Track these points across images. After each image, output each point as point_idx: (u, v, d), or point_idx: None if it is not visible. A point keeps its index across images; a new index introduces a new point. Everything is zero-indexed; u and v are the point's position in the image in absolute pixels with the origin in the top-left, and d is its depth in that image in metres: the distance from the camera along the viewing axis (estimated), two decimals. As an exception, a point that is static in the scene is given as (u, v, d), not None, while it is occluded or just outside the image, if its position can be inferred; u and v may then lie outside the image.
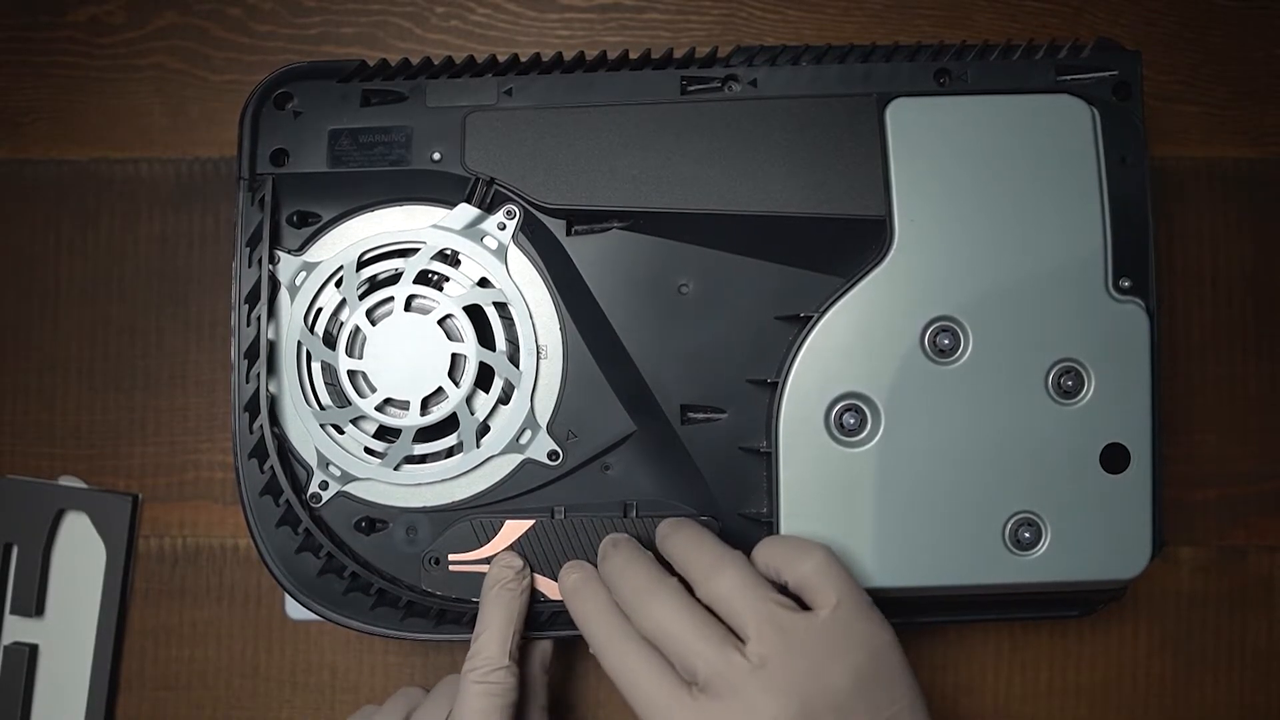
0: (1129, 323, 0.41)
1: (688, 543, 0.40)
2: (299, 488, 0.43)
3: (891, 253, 0.41)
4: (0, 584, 0.50)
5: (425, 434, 0.43)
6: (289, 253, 0.43)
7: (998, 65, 0.43)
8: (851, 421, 0.41)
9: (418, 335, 0.43)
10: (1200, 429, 0.51)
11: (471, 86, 0.43)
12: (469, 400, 0.43)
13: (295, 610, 0.48)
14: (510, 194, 0.43)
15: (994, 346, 0.41)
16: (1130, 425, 0.41)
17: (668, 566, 0.40)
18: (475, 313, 0.43)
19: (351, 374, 0.43)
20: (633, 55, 0.44)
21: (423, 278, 0.43)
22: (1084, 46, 0.44)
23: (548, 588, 0.42)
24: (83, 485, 0.50)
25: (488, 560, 0.42)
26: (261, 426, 0.42)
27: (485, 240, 0.43)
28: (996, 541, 0.41)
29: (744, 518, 0.43)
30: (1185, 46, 0.52)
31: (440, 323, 0.43)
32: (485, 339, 0.43)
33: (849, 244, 0.42)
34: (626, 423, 0.43)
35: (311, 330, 0.43)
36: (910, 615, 0.44)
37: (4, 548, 0.50)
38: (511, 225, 0.43)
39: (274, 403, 0.43)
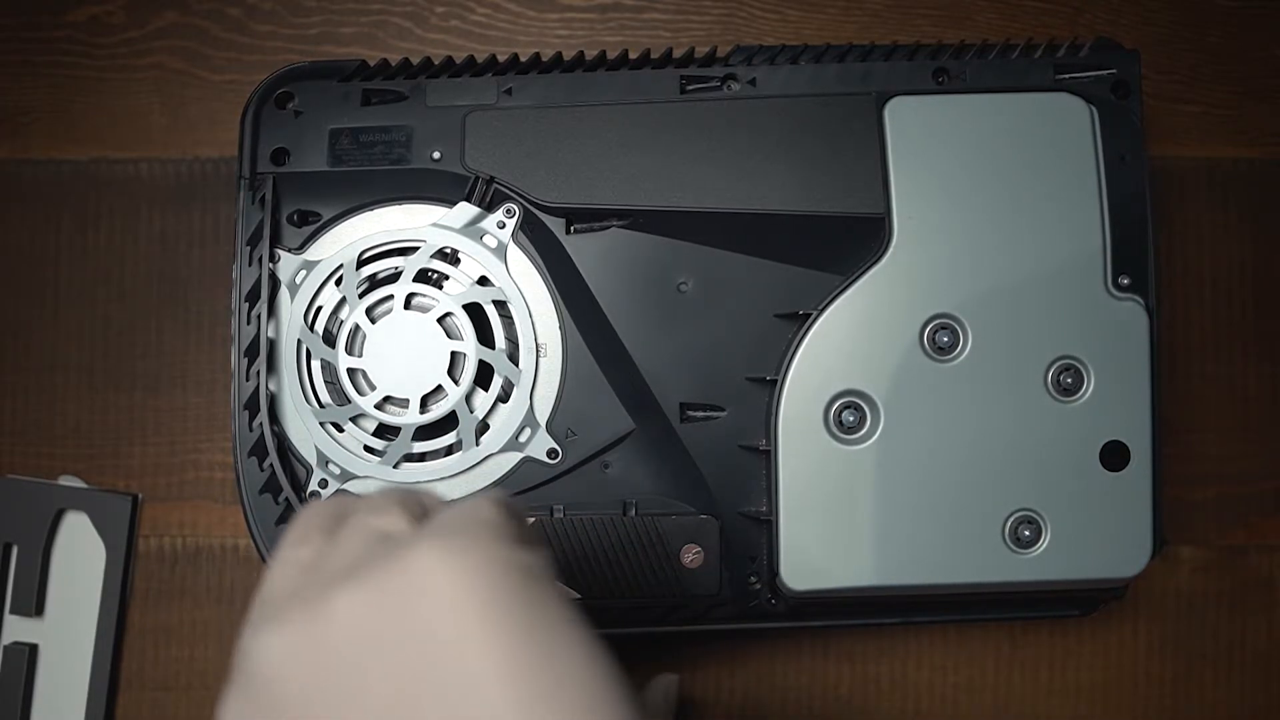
0: (1128, 320, 0.41)
1: None
2: (298, 486, 0.43)
3: (890, 250, 0.41)
4: (0, 584, 0.50)
5: (424, 432, 0.43)
6: (289, 251, 0.43)
7: (996, 64, 0.43)
8: (851, 419, 0.41)
9: (417, 333, 0.43)
10: (1200, 429, 0.51)
11: (471, 86, 0.43)
12: (468, 398, 0.43)
13: (295, 610, 0.48)
14: (510, 192, 0.43)
15: (993, 344, 0.41)
16: (1130, 423, 0.41)
17: None
18: (475, 311, 0.43)
19: (351, 372, 0.43)
20: (632, 55, 0.44)
21: (422, 276, 0.43)
22: (1083, 46, 0.44)
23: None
24: (83, 485, 0.50)
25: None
26: (261, 424, 0.42)
27: (485, 239, 0.43)
28: (996, 539, 0.41)
29: (743, 516, 0.43)
30: (1184, 46, 0.52)
31: (440, 321, 0.43)
32: (485, 337, 0.43)
33: (848, 242, 0.42)
34: (626, 421, 0.43)
35: (311, 328, 0.43)
36: (910, 615, 0.44)
37: (4, 548, 0.50)
38: (511, 224, 0.43)
39: (274, 401, 0.43)
